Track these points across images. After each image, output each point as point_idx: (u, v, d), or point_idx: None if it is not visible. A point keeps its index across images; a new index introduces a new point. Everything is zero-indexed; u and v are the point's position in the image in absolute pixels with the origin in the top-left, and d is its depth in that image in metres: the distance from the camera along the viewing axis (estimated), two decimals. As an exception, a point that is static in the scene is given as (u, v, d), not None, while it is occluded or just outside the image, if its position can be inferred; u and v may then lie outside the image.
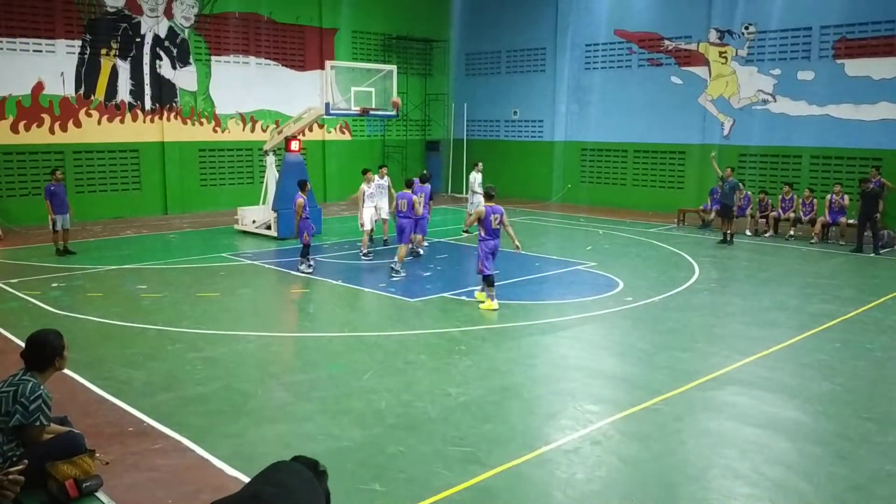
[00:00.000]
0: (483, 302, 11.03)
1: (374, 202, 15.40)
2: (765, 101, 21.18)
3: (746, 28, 21.32)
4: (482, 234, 11.02)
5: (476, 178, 18.25)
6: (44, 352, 5.17)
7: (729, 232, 17.30)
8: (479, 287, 11.44)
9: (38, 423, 4.99)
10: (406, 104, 26.08)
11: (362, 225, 15.18)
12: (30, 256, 14.65)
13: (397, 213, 13.81)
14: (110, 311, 10.59)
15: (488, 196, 11.22)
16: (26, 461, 4.32)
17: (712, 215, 19.50)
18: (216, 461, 5.95)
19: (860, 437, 6.60)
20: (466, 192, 27.36)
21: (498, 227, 10.99)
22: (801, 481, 5.77)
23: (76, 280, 12.66)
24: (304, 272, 13.28)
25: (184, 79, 21.76)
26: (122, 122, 20.69)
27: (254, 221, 17.96)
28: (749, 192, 19.52)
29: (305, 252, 13.47)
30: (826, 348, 9.23)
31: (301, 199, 13.50)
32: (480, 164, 19.04)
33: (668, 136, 23.22)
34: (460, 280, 12.88)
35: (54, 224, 14.59)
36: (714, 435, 6.65)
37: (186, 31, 21.66)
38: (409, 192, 13.91)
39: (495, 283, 11.03)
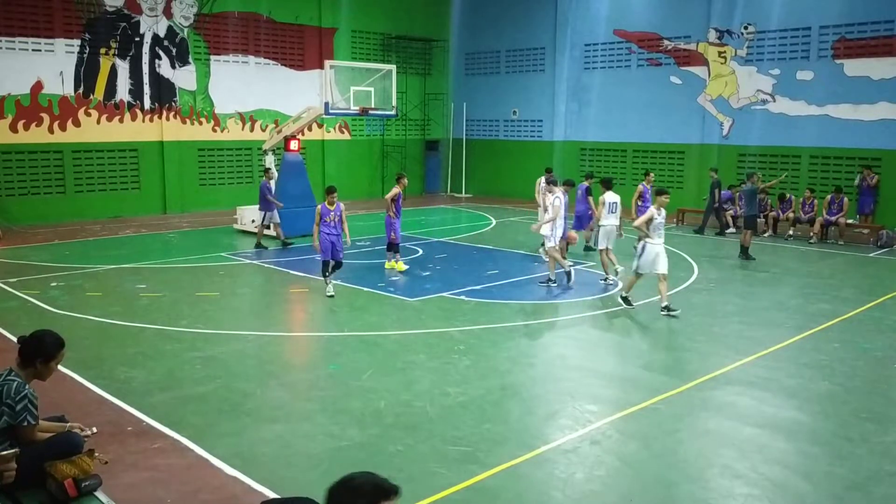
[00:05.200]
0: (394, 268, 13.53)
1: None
2: (764, 101, 21.18)
3: (746, 28, 21.33)
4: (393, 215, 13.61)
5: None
6: (33, 344, 5.13)
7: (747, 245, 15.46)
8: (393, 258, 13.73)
9: (25, 423, 4.98)
10: (405, 104, 26.08)
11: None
12: (29, 256, 14.64)
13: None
14: (109, 310, 10.58)
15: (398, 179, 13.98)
16: (17, 449, 4.36)
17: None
18: (215, 461, 5.94)
19: (859, 437, 6.61)
20: (465, 193, 27.48)
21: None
22: (799, 481, 5.77)
23: (75, 279, 12.65)
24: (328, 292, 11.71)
25: (183, 78, 21.75)
26: (121, 121, 20.67)
27: (253, 221, 17.95)
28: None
29: (324, 269, 11.73)
30: (825, 348, 9.23)
31: (319, 206, 11.75)
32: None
33: (668, 135, 23.23)
34: (459, 280, 12.87)
35: (271, 218, 15.78)
36: (713, 435, 6.66)
37: (186, 30, 21.65)
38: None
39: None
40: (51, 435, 5.29)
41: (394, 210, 13.54)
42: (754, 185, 15.77)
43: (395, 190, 13.61)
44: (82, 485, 5.11)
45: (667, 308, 10.59)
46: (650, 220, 10.60)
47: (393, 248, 13.65)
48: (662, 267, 10.62)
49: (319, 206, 11.69)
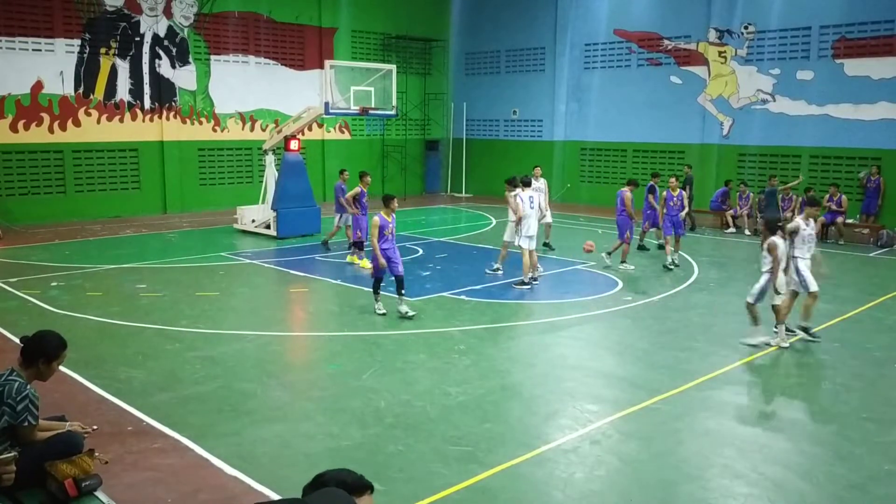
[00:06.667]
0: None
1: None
2: (764, 101, 21.17)
3: (746, 28, 21.32)
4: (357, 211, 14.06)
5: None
6: (35, 345, 5.14)
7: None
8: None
9: (26, 423, 4.98)
10: (405, 104, 26.07)
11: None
12: (29, 256, 14.64)
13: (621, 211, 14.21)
14: (109, 310, 10.58)
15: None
16: (16, 452, 4.35)
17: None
18: (215, 460, 5.95)
19: (859, 437, 6.61)
20: (465, 192, 27.47)
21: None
22: (799, 481, 5.77)
23: (75, 279, 12.65)
24: (378, 312, 10.61)
25: (183, 78, 21.74)
26: (121, 121, 20.67)
27: (253, 221, 17.96)
28: (751, 192, 19.64)
29: (376, 286, 10.70)
30: (825, 348, 9.22)
31: (377, 217, 10.35)
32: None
33: (668, 135, 23.22)
34: (459, 280, 12.87)
35: (346, 220, 15.36)
36: (713, 434, 6.66)
37: (186, 30, 21.64)
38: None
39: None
40: (51, 435, 5.29)
41: (358, 207, 14.01)
42: (774, 187, 15.91)
43: (357, 189, 13.99)
44: (82, 485, 5.11)
45: (806, 329, 9.48)
46: (795, 231, 9.23)
47: (358, 245, 14.14)
48: (812, 284, 9.38)
49: (377, 218, 10.25)
